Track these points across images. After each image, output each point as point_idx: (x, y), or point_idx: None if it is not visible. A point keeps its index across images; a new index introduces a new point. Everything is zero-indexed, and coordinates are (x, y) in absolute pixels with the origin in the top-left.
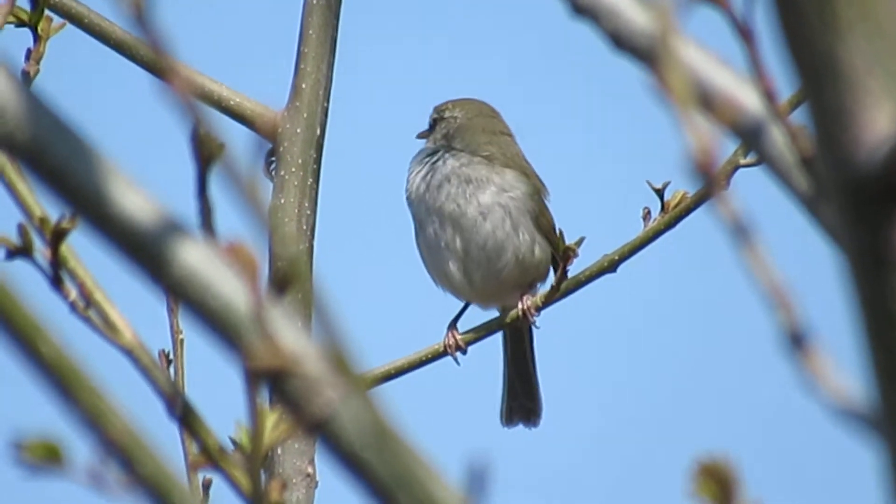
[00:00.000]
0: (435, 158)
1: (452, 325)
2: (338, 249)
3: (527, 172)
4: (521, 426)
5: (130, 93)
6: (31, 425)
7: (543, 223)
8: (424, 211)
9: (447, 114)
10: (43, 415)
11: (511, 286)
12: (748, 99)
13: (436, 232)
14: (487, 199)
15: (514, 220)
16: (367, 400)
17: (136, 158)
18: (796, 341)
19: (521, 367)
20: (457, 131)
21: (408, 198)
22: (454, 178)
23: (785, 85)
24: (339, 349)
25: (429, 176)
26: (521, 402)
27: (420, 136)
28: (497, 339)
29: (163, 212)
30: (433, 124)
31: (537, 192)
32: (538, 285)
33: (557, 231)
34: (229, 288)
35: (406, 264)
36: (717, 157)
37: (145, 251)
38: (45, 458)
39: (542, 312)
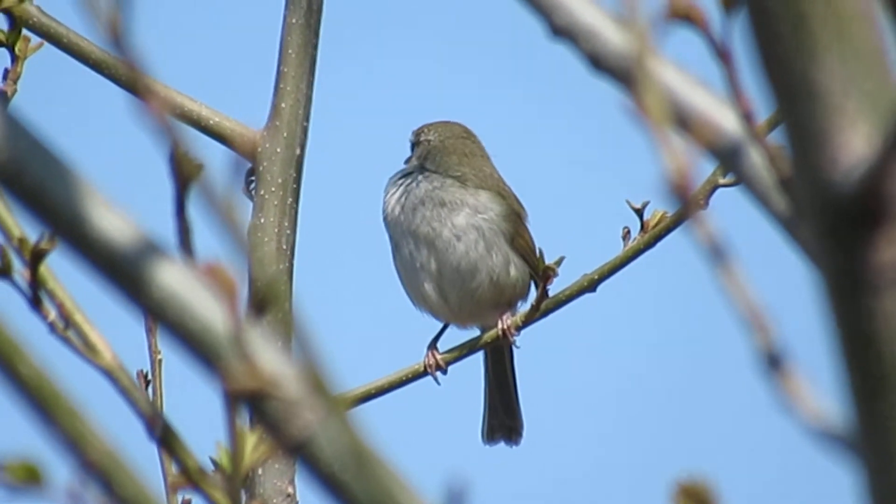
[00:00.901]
0: (409, 181)
1: (432, 344)
2: (318, 269)
3: (502, 193)
4: (502, 444)
5: (109, 113)
6: (11, 446)
7: (521, 243)
8: (400, 232)
9: (422, 137)
10: (23, 436)
11: (487, 306)
12: (726, 120)
13: (411, 253)
14: (461, 221)
15: (488, 242)
16: (345, 421)
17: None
18: (773, 362)
19: (502, 385)
20: (430, 154)
21: (384, 219)
22: (428, 200)
23: (762, 106)
24: (318, 370)
25: (403, 198)
26: (502, 420)
27: (406, 161)
28: (477, 358)
29: (141, 233)
30: (412, 147)
31: (514, 212)
32: (518, 304)
33: (537, 251)
34: (208, 309)
35: (386, 284)
36: (693, 178)
37: (123, 272)
38: (24, 478)
39: (522, 332)
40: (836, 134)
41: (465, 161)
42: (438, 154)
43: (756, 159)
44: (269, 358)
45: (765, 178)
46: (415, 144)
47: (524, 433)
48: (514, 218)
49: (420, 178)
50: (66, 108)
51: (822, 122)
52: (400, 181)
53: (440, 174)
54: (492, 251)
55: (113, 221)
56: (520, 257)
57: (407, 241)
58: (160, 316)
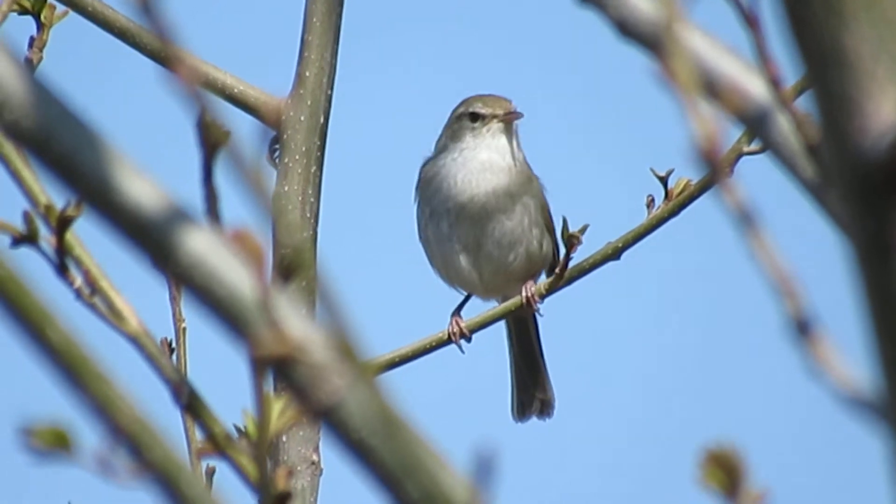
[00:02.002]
0: (466, 154)
1: (456, 312)
2: (341, 237)
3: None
4: (534, 419)
5: (133, 80)
6: (40, 412)
7: (546, 216)
8: (443, 203)
9: (471, 109)
10: (51, 401)
11: (517, 279)
12: (754, 86)
13: (450, 225)
14: (515, 200)
15: (532, 218)
16: (373, 387)
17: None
18: (802, 329)
19: (529, 357)
20: (485, 126)
21: (429, 186)
22: (491, 175)
23: (790, 72)
24: (345, 336)
25: (466, 172)
26: (533, 393)
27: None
28: (500, 327)
29: (169, 199)
30: (473, 117)
31: (541, 186)
32: (541, 274)
33: (562, 219)
34: (235, 276)
35: (409, 252)
36: (722, 145)
37: (151, 239)
38: (53, 444)
39: (546, 300)
40: (866, 100)
41: (515, 137)
42: (502, 132)
43: (784, 126)
44: (297, 324)
45: (792, 144)
46: (477, 116)
47: (556, 405)
48: (543, 191)
49: (489, 154)
50: (90, 76)
51: (852, 88)
52: (466, 154)
53: (498, 151)
54: (532, 226)
55: (141, 188)
56: (548, 232)
57: (449, 212)
58: (187, 282)
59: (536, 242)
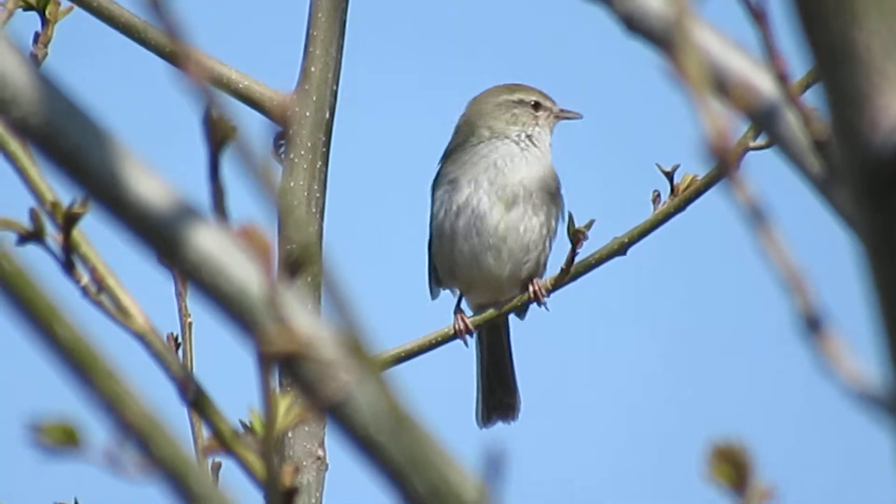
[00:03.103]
0: (543, 144)
1: (458, 309)
2: (347, 232)
3: None
4: (499, 424)
5: (139, 76)
6: (49, 408)
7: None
8: (492, 181)
9: (548, 103)
10: (60, 398)
11: (514, 284)
12: (762, 82)
13: (477, 225)
14: (546, 201)
15: (548, 220)
16: (381, 383)
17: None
18: (812, 325)
19: (499, 361)
20: (551, 125)
21: (474, 167)
22: (541, 167)
23: (798, 67)
24: (352, 332)
25: (528, 155)
26: (500, 398)
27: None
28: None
29: (176, 195)
30: (536, 106)
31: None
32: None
33: (567, 214)
34: (243, 272)
35: (414, 248)
36: (731, 140)
37: (159, 235)
38: (62, 440)
39: (552, 295)
40: (877, 96)
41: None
42: (551, 125)
43: (792, 121)
44: (304, 320)
45: (800, 139)
46: (539, 106)
47: (521, 408)
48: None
49: (545, 142)
50: (95, 72)
51: (862, 83)
52: (524, 151)
53: (548, 145)
54: (548, 236)
55: (148, 184)
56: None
57: (496, 191)
58: (195, 278)
59: (545, 255)
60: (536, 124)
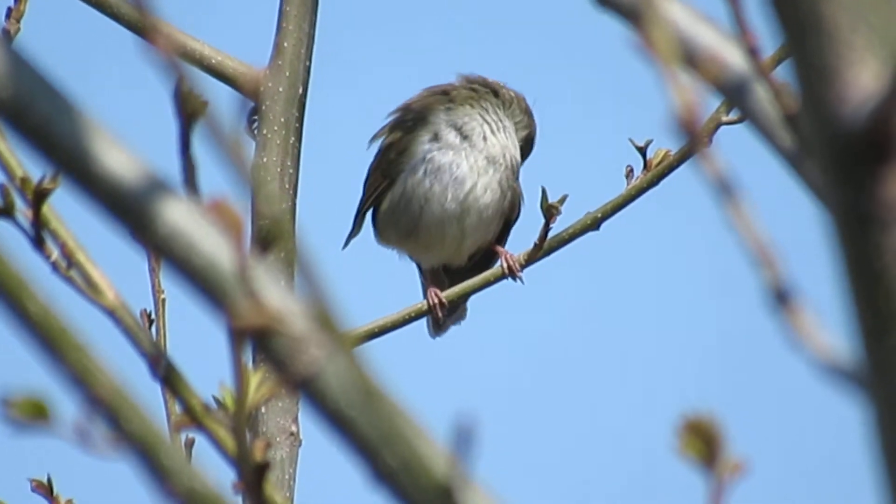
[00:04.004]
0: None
1: (429, 283)
2: (320, 208)
3: None
4: (451, 328)
5: (111, 51)
6: (19, 383)
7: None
8: (448, 179)
9: (504, 89)
10: (29, 372)
11: (480, 249)
12: (732, 56)
13: (447, 198)
14: (511, 175)
15: (514, 191)
16: (352, 358)
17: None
18: (781, 299)
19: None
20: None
21: (457, 131)
22: (503, 159)
23: (768, 41)
24: (324, 307)
25: (507, 145)
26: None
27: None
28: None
29: (147, 170)
30: (495, 93)
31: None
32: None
33: (540, 189)
34: (213, 246)
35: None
36: (701, 115)
37: (129, 209)
38: (32, 415)
39: (525, 270)
40: (845, 69)
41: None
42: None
43: (762, 95)
44: (276, 295)
45: (770, 114)
46: (495, 93)
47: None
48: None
49: (505, 130)
50: (68, 47)
51: (831, 57)
52: (502, 126)
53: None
54: (506, 199)
55: (119, 158)
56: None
57: (451, 186)
58: (165, 253)
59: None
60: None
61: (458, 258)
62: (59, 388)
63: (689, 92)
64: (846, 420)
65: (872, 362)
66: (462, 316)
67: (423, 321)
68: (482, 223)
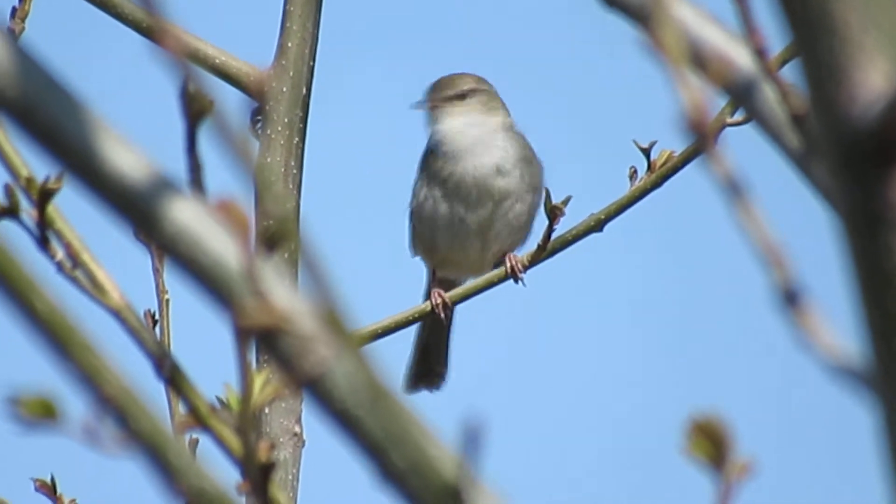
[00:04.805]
0: (499, 139)
1: (435, 284)
2: (324, 208)
3: None
4: (424, 391)
5: (116, 50)
6: (27, 381)
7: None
8: (472, 188)
9: (482, 87)
10: (38, 371)
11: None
12: (739, 56)
13: (470, 208)
14: (535, 181)
15: (536, 196)
16: (359, 357)
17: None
18: (790, 299)
19: (443, 332)
20: (502, 107)
21: (450, 170)
22: (522, 159)
23: (777, 42)
24: (330, 307)
25: (502, 157)
26: (431, 366)
27: (438, 103)
28: (485, 298)
29: (154, 169)
30: (462, 96)
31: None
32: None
33: (543, 191)
34: (220, 245)
35: (391, 224)
36: (709, 115)
37: (136, 208)
38: (40, 414)
39: (528, 271)
40: (854, 70)
41: (506, 111)
42: (501, 107)
43: (769, 96)
44: (282, 294)
45: (778, 114)
46: (472, 92)
47: (446, 378)
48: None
49: (506, 135)
50: (73, 46)
51: (840, 57)
52: (485, 136)
53: (508, 128)
54: (528, 206)
55: (125, 158)
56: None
57: (476, 196)
58: (172, 252)
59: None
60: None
61: (475, 270)
62: (67, 386)
63: (698, 92)
64: (855, 420)
65: (881, 363)
66: (439, 385)
67: (401, 380)
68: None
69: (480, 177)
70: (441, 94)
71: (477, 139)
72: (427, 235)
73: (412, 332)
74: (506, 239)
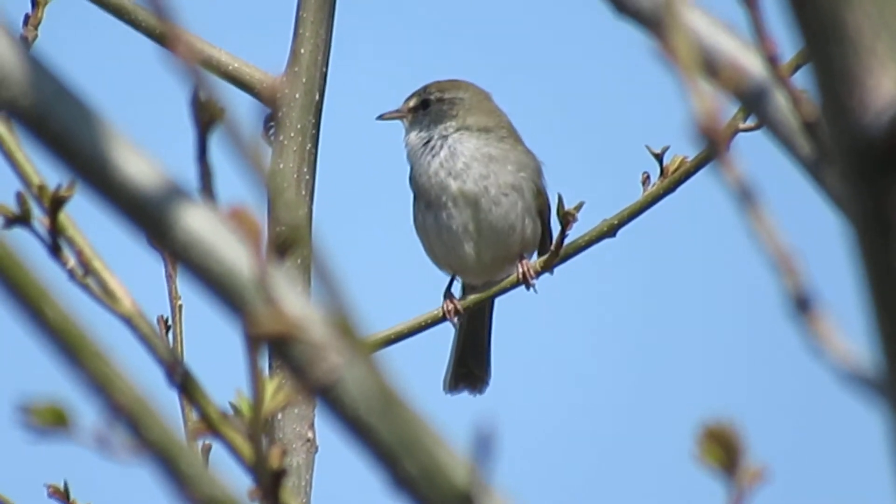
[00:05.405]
0: (449, 140)
1: (448, 291)
2: (336, 214)
3: (529, 152)
4: (465, 393)
5: (128, 57)
6: (39, 389)
7: (542, 201)
8: (438, 192)
9: (449, 94)
10: (50, 379)
11: (509, 263)
12: (752, 63)
13: (450, 214)
14: (508, 179)
15: (525, 201)
16: (371, 364)
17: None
18: (802, 306)
19: (478, 333)
20: (466, 112)
21: (417, 180)
22: (478, 158)
23: (788, 49)
24: (342, 314)
25: (448, 158)
26: (470, 369)
27: (401, 115)
28: (499, 304)
29: (166, 176)
30: (426, 104)
31: (540, 170)
32: (533, 253)
33: (557, 196)
34: (232, 253)
35: (403, 230)
36: (721, 121)
37: (148, 216)
38: (52, 422)
39: (541, 277)
40: (867, 76)
41: (494, 117)
42: (476, 112)
43: (781, 102)
44: (294, 301)
45: (789, 120)
46: (436, 101)
47: (489, 383)
48: (540, 175)
49: (463, 136)
50: (85, 54)
51: (852, 64)
52: (438, 141)
53: (481, 132)
54: (526, 210)
55: (138, 165)
56: (538, 214)
57: (447, 201)
58: (184, 259)
59: (529, 228)
60: (429, 123)
61: (483, 276)
62: (79, 394)
63: (710, 99)
64: (866, 426)
65: (893, 368)
66: (480, 388)
67: (441, 382)
68: (496, 241)
69: (434, 176)
70: (406, 105)
71: (426, 143)
72: (426, 245)
73: (425, 338)
74: (497, 242)
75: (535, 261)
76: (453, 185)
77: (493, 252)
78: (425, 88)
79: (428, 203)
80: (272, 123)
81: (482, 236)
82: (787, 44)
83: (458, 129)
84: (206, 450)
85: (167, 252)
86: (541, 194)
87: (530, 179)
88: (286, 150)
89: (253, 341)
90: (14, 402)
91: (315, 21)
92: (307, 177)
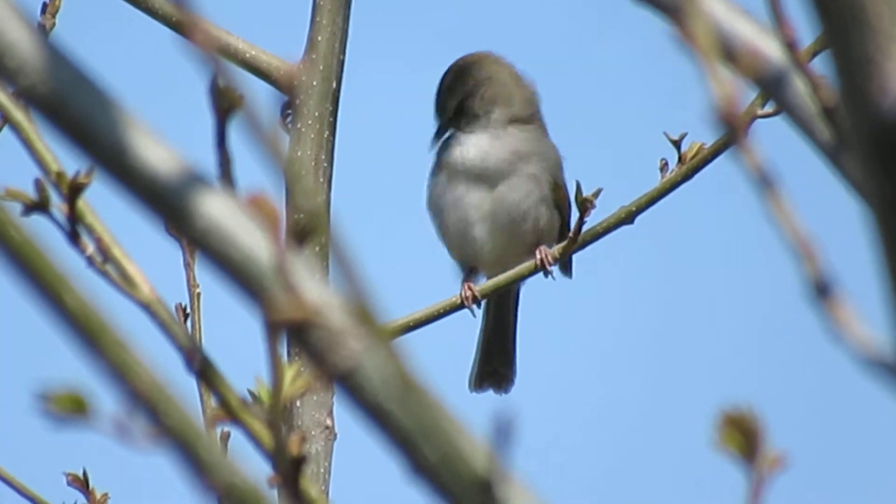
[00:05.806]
0: (490, 129)
1: (467, 278)
2: (354, 202)
3: (553, 145)
4: (490, 392)
5: (146, 45)
6: (58, 377)
7: (560, 194)
8: (464, 177)
9: (483, 73)
10: (69, 366)
11: (523, 253)
12: (770, 49)
13: (468, 193)
14: (531, 169)
15: (542, 191)
16: (390, 351)
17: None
18: (822, 292)
19: (503, 330)
20: (504, 102)
21: (448, 163)
22: (507, 146)
23: (807, 34)
24: (360, 301)
25: (484, 144)
26: (496, 367)
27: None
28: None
29: (184, 164)
30: (463, 109)
31: (560, 164)
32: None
33: (575, 184)
34: (251, 239)
35: (421, 217)
36: (740, 107)
37: (166, 203)
38: (71, 409)
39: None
40: (885, 61)
41: (530, 105)
42: (501, 94)
43: (800, 88)
44: (313, 288)
45: (808, 107)
46: (468, 98)
47: (515, 381)
48: (560, 169)
49: (502, 126)
50: (101, 42)
51: (871, 49)
52: (475, 130)
53: (514, 118)
54: (541, 200)
55: (156, 152)
56: (556, 206)
57: (467, 185)
58: (203, 246)
59: (543, 218)
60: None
61: (496, 266)
62: (98, 381)
63: (729, 85)
64: (886, 412)
65: None
66: (506, 386)
67: (467, 379)
68: (510, 228)
69: (464, 157)
70: (444, 118)
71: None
72: (440, 226)
73: (444, 325)
74: (510, 229)
75: (553, 247)
76: (478, 167)
77: (504, 238)
78: (455, 83)
79: (450, 177)
80: (290, 111)
81: (495, 222)
82: (806, 29)
83: (497, 121)
84: (225, 437)
85: (185, 239)
86: (559, 187)
87: (549, 171)
88: (304, 138)
89: (272, 328)
90: (33, 390)
91: (332, 8)
92: (325, 164)
